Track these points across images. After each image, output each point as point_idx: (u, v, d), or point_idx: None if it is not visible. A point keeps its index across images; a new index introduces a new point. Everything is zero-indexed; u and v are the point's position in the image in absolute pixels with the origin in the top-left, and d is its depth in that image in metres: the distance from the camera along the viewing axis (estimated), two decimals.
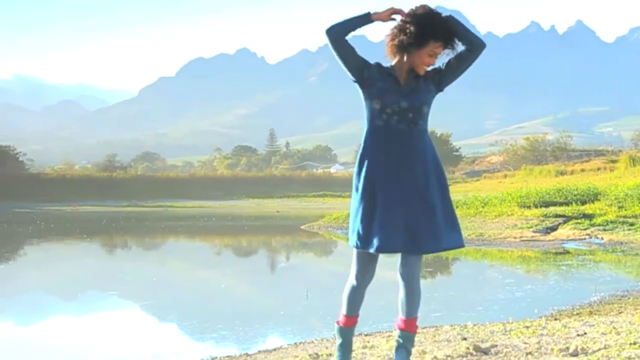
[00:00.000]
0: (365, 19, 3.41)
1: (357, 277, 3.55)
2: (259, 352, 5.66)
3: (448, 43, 3.43)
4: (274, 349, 5.71)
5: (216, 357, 5.55)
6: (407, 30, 3.37)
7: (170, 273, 14.26)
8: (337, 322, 3.70)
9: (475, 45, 3.45)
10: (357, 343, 5.08)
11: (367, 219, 3.38)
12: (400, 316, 3.52)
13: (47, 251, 18.92)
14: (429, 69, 3.49)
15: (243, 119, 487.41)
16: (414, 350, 4.23)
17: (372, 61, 3.51)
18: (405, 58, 3.44)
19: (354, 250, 3.50)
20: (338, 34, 3.38)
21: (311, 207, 46.28)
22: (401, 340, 3.52)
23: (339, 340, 3.68)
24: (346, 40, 3.41)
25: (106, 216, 36.86)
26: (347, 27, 3.40)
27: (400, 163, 3.41)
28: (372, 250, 3.37)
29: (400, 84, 3.44)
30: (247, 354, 5.57)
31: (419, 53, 3.40)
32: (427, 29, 3.36)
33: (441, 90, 3.52)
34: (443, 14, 3.47)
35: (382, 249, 3.34)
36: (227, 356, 5.57)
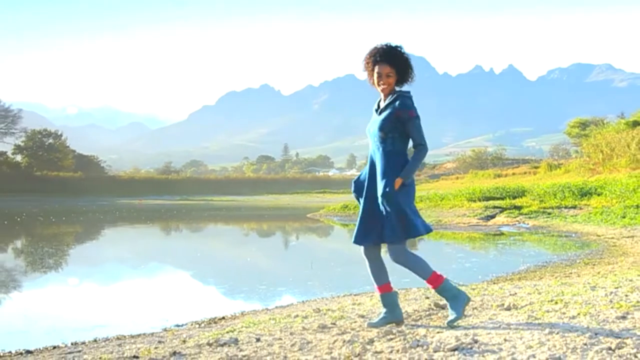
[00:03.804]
0: None
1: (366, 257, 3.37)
2: (276, 307, 5.64)
3: (388, 62, 3.18)
4: (287, 305, 5.70)
5: (244, 311, 5.53)
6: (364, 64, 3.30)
7: (210, 249, 14.25)
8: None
9: None
10: (347, 300, 5.06)
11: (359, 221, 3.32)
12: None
13: (120, 233, 18.93)
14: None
15: (264, 136, 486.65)
16: None
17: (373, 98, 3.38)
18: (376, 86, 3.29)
19: None
20: None
21: (314, 200, 46.25)
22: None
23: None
24: None
25: (163, 207, 36.86)
26: None
27: (372, 177, 3.28)
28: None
29: (377, 113, 3.30)
30: (267, 309, 5.55)
31: (371, 77, 3.28)
32: (370, 56, 3.25)
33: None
34: (388, 44, 3.23)
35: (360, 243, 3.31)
36: (253, 310, 5.55)
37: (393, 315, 3.32)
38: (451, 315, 3.19)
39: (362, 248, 3.36)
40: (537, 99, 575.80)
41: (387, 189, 3.13)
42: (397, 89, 3.28)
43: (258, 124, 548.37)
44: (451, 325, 3.14)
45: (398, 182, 3.13)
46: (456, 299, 3.21)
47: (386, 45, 3.25)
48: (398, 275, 7.65)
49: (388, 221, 3.16)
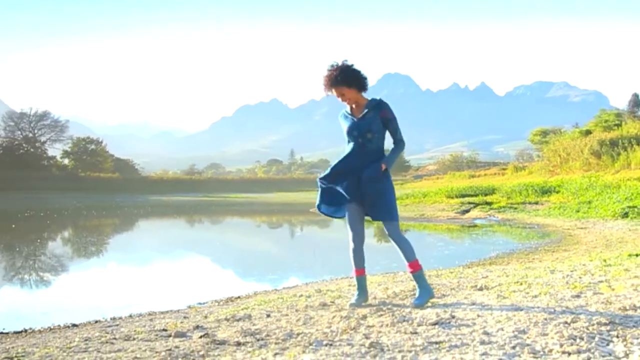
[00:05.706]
0: None
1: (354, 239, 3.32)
2: (284, 288, 5.64)
3: (335, 85, 3.05)
4: (293, 287, 5.69)
5: (257, 291, 5.53)
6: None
7: (227, 238, 14.25)
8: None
9: None
10: (344, 282, 5.05)
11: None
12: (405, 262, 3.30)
13: (151, 224, 18.94)
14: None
15: (274, 142, 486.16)
16: (381, 286, 4.22)
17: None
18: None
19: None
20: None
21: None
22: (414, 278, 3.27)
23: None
24: None
25: (188, 203, 36.86)
26: None
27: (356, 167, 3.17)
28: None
29: (355, 119, 3.16)
30: (276, 289, 5.55)
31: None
32: (323, 85, 3.10)
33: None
34: (340, 66, 3.03)
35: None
36: (264, 291, 5.55)
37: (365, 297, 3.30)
38: (417, 300, 3.15)
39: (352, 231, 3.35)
40: (505, 111, 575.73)
41: (376, 174, 3.12)
42: (367, 97, 3.18)
43: (268, 132, 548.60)
44: (415, 306, 3.09)
45: (383, 166, 3.13)
46: (426, 290, 3.19)
47: (328, 71, 3.07)
48: (389, 259, 7.66)
49: (383, 204, 3.21)
